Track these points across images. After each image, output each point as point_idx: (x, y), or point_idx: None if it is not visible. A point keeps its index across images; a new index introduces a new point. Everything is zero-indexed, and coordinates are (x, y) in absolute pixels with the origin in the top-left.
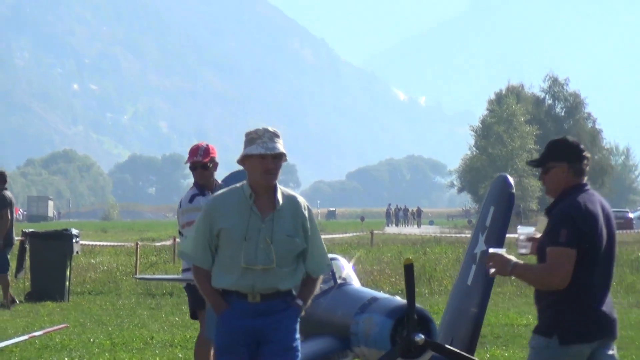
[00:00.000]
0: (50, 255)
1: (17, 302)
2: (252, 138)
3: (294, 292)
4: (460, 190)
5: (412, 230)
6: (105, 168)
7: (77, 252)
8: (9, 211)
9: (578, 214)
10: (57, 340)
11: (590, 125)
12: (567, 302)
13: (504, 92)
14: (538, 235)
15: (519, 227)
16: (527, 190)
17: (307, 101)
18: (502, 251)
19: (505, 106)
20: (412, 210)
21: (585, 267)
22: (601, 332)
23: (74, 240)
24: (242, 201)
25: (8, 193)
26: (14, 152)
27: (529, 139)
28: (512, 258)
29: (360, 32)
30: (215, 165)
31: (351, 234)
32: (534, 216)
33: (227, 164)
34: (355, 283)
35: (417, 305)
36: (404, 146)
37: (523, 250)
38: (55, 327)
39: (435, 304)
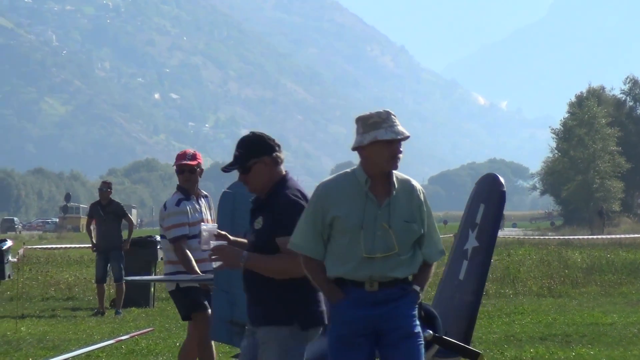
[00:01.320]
0: (135, 262)
1: (105, 312)
2: (375, 122)
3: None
4: (542, 193)
5: None
6: None
7: (162, 259)
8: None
9: (305, 201)
10: (143, 344)
11: None
12: (300, 289)
13: (584, 94)
14: (221, 233)
15: (202, 224)
16: (610, 191)
17: (387, 108)
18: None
19: (586, 108)
20: None
21: None
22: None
23: (158, 247)
24: (356, 187)
25: None
26: (96, 162)
27: (611, 140)
28: (240, 250)
29: (440, 39)
30: (201, 171)
31: None
32: (616, 217)
33: (308, 170)
34: None
35: (423, 302)
36: (485, 150)
37: (206, 247)
38: (141, 331)
39: (519, 304)
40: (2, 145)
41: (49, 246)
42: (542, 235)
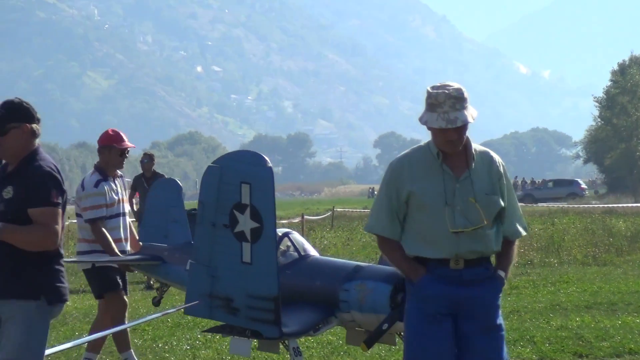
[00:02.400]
0: None
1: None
2: (431, 104)
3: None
4: (585, 162)
5: None
6: (230, 149)
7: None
8: None
9: (59, 174)
10: (189, 317)
11: None
12: (48, 263)
13: (627, 62)
14: None
15: None
16: None
17: (430, 78)
18: None
19: (629, 76)
20: (538, 182)
21: None
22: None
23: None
24: (430, 161)
25: None
26: (139, 136)
27: None
28: None
29: (482, 9)
30: None
31: None
32: None
33: (350, 141)
34: (315, 254)
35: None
36: (528, 120)
37: None
38: (188, 304)
39: (564, 273)
40: (45, 120)
41: None
42: (585, 204)
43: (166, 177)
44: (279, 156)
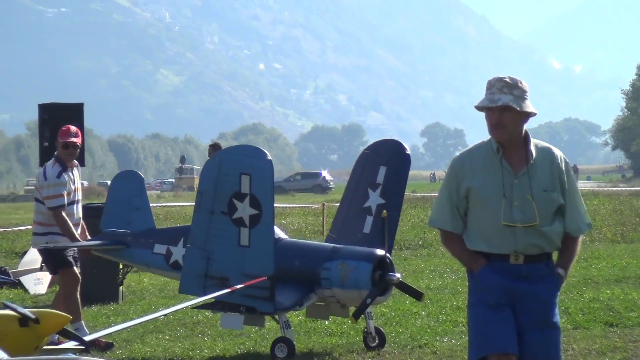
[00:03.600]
0: None
1: None
2: (486, 87)
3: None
4: (614, 148)
5: None
6: (290, 139)
7: None
8: None
9: None
10: None
11: None
12: None
13: None
14: None
15: None
16: None
17: (471, 73)
18: None
19: None
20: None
21: None
22: None
23: None
24: (490, 156)
25: None
26: (207, 127)
27: None
28: None
29: (519, 8)
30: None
31: None
32: None
33: (400, 131)
34: (286, 237)
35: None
36: (561, 110)
37: None
38: (254, 280)
39: (595, 250)
40: (122, 113)
41: (167, 204)
42: (614, 187)
43: None
44: (334, 145)
